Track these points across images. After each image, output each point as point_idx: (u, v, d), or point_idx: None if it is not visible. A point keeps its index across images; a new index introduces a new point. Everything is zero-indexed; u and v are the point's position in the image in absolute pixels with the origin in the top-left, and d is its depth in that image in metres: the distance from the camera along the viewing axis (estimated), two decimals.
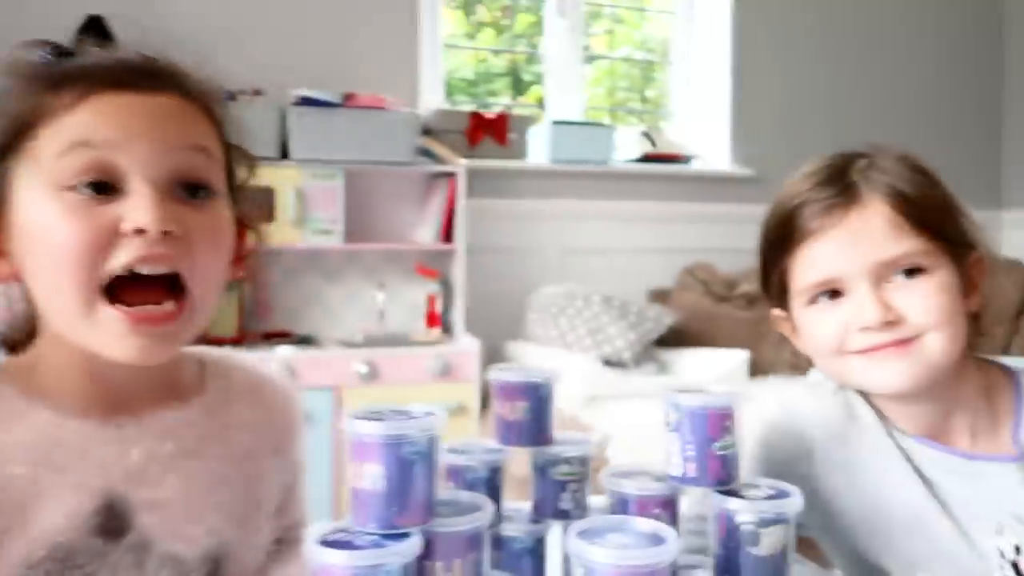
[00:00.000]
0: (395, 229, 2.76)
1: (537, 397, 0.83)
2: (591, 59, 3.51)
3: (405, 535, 0.58)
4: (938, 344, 0.74)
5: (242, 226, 0.71)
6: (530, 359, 2.56)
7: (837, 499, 0.84)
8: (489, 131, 2.84)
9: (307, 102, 2.41)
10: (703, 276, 2.86)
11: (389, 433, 0.57)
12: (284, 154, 2.45)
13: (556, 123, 2.96)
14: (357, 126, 2.47)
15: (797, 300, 0.80)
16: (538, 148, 2.98)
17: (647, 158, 3.08)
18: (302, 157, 2.43)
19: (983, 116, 3.69)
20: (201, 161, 0.62)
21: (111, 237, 0.57)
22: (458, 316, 2.65)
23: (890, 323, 0.74)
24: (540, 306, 2.64)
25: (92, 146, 0.57)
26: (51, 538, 0.57)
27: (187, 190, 0.61)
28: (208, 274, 0.62)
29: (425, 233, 2.66)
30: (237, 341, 2.43)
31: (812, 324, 0.79)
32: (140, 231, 0.57)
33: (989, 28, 3.71)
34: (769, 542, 0.67)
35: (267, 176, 2.41)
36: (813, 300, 0.79)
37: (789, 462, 0.85)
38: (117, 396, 0.63)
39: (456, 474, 0.82)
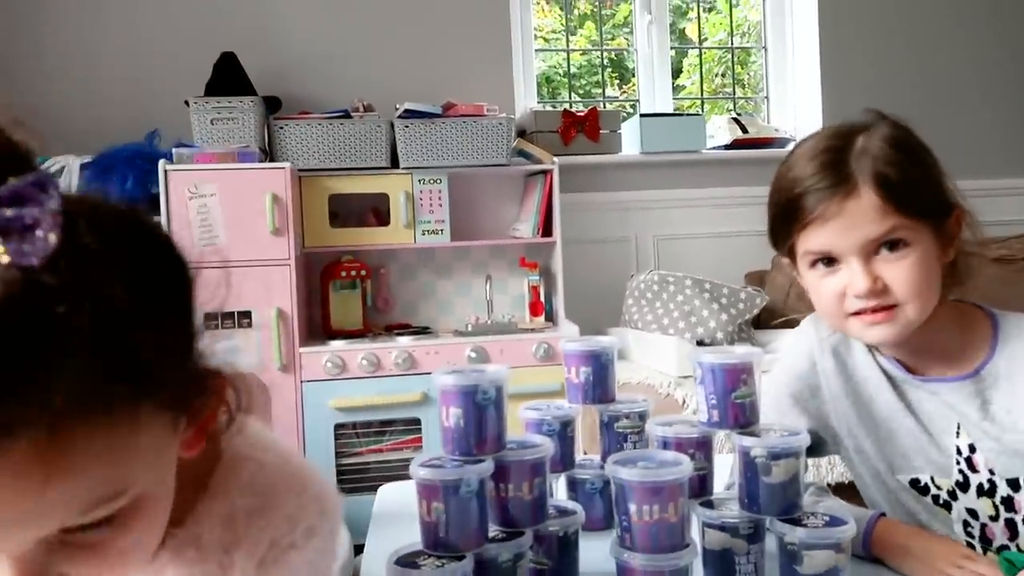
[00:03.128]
0: (498, 226, 2.98)
1: (599, 363, 1.01)
2: (683, 50, 3.59)
3: (481, 460, 0.77)
4: (913, 311, 0.89)
5: None
6: (629, 343, 2.72)
7: (840, 403, 1.00)
8: (581, 128, 3.01)
9: (411, 114, 2.66)
10: None
11: (464, 383, 0.77)
12: (395, 163, 2.72)
13: (644, 116, 3.09)
14: (457, 133, 2.70)
15: (801, 260, 0.95)
16: (630, 141, 3.12)
17: (737, 144, 3.15)
18: (409, 165, 2.69)
19: None
20: None
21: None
22: (559, 304, 2.84)
23: (876, 292, 0.88)
24: (636, 292, 2.79)
25: None
26: None
27: None
28: None
29: (525, 228, 2.87)
30: (362, 333, 2.72)
31: (815, 285, 0.94)
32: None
33: None
34: (779, 472, 0.82)
35: (380, 184, 2.69)
36: (813, 264, 0.93)
37: (803, 376, 1.03)
38: None
39: (534, 427, 1.01)
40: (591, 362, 1.01)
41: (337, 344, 2.56)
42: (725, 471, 1.03)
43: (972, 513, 0.93)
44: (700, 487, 0.90)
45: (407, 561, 0.75)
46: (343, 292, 2.75)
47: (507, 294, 3.00)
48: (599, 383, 1.01)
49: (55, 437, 0.38)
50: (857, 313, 0.90)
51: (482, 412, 0.78)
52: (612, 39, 3.75)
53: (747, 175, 3.20)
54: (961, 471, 0.92)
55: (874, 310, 0.89)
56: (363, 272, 2.74)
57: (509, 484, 0.80)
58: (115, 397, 0.41)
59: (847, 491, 1.19)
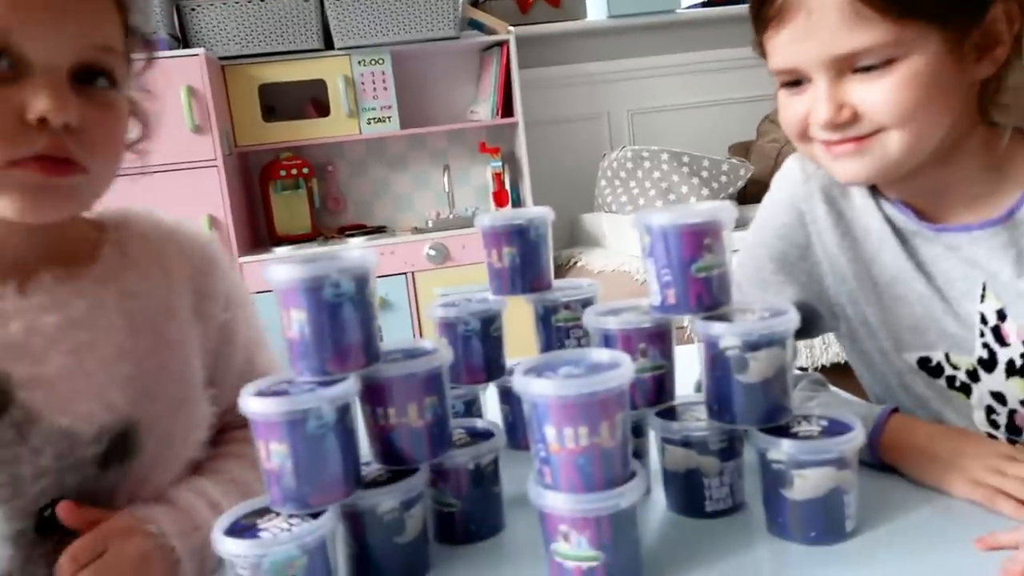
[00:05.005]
0: (453, 109, 2.69)
1: (524, 241, 0.78)
2: None
3: (341, 379, 0.55)
4: (898, 142, 0.66)
5: (132, 114, 0.67)
6: (605, 227, 2.49)
7: (838, 263, 0.78)
8: None
9: None
10: None
11: (306, 276, 0.54)
12: (329, 44, 2.40)
13: None
14: (396, 4, 2.37)
15: (774, 79, 0.71)
16: (596, 5, 2.79)
17: (716, 1, 2.82)
18: (345, 44, 2.38)
19: None
20: (103, 56, 0.60)
21: (16, 125, 0.55)
22: (526, 192, 2.59)
23: (840, 123, 0.65)
24: (608, 172, 2.53)
25: None
26: None
27: (86, 79, 0.59)
28: (103, 161, 0.61)
29: (484, 110, 2.58)
30: (311, 237, 2.48)
31: (780, 108, 0.72)
32: (43, 120, 0.55)
33: None
34: (758, 367, 0.60)
35: (315, 69, 2.38)
36: (782, 84, 0.70)
37: (787, 232, 0.81)
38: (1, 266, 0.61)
39: (448, 328, 0.79)
40: (515, 240, 0.77)
41: (282, 251, 2.32)
42: (696, 368, 0.81)
43: (998, 397, 0.72)
44: (657, 392, 0.68)
45: (245, 526, 0.54)
46: (285, 194, 2.48)
47: (469, 184, 2.74)
48: (529, 266, 0.78)
49: None
50: (823, 144, 0.68)
51: (335, 313, 0.55)
52: None
53: (729, 36, 2.87)
54: (986, 344, 0.71)
55: (842, 142, 0.66)
56: (305, 170, 2.47)
57: (389, 408, 0.58)
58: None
59: (842, 373, 0.98)
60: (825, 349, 1.96)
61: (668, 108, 2.91)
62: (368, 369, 0.57)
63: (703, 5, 2.87)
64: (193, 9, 2.30)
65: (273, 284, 0.55)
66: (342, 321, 0.55)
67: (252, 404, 0.53)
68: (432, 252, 2.33)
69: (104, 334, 0.62)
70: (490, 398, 0.85)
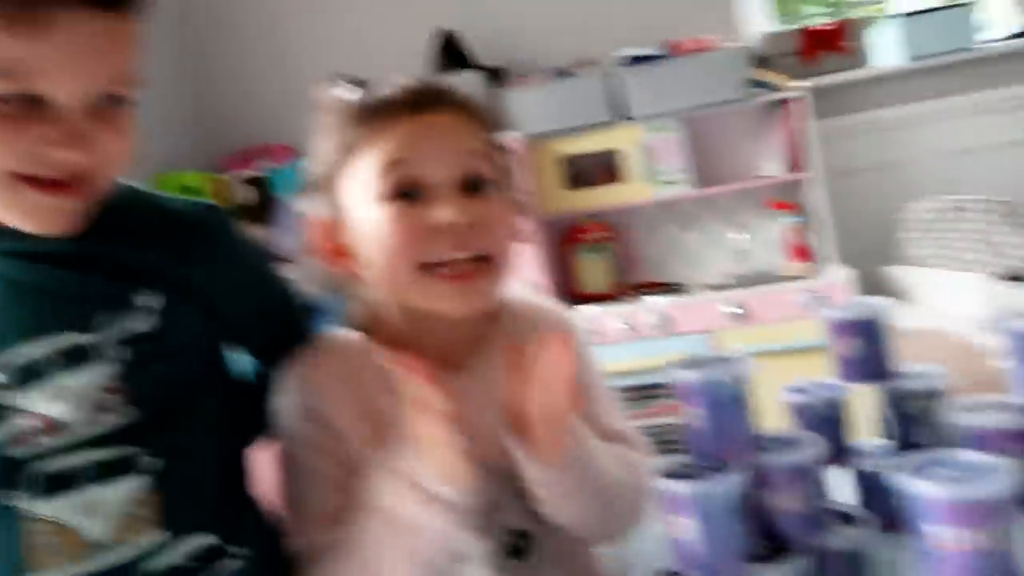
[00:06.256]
0: (742, 167, 2.74)
1: (870, 333, 0.84)
2: None
3: (729, 467, 0.66)
4: None
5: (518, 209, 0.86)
6: (910, 282, 2.37)
7: None
8: (825, 44, 2.65)
9: (636, 60, 2.51)
10: None
11: (704, 380, 0.66)
12: (621, 115, 2.58)
13: (901, 16, 2.63)
14: (685, 73, 2.49)
15: None
16: (884, 49, 2.69)
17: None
18: (639, 114, 2.54)
19: None
20: (479, 161, 0.78)
21: (428, 233, 0.74)
22: (821, 246, 2.55)
23: None
24: (915, 223, 2.42)
25: (403, 163, 0.75)
26: None
27: (472, 187, 0.77)
28: (502, 248, 0.79)
29: (773, 166, 2.60)
30: (612, 296, 2.65)
31: None
32: (447, 225, 0.74)
33: None
34: None
35: (610, 139, 2.58)
36: None
37: None
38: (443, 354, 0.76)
39: (798, 412, 0.87)
40: (862, 332, 0.84)
41: (585, 309, 2.52)
42: None
43: None
44: None
45: None
46: (586, 256, 2.70)
47: (760, 240, 2.76)
48: (874, 356, 0.84)
49: (461, 113, 0.79)
50: None
51: (726, 410, 0.66)
52: None
53: None
54: None
55: None
56: (604, 233, 2.67)
57: (774, 494, 0.68)
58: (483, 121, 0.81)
59: None
60: None
61: (973, 150, 2.70)
62: (754, 458, 0.68)
63: (1015, 36, 2.64)
64: (508, 96, 2.60)
65: (676, 383, 0.69)
66: (731, 416, 0.67)
67: (671, 486, 0.66)
68: (729, 310, 2.38)
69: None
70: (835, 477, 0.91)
